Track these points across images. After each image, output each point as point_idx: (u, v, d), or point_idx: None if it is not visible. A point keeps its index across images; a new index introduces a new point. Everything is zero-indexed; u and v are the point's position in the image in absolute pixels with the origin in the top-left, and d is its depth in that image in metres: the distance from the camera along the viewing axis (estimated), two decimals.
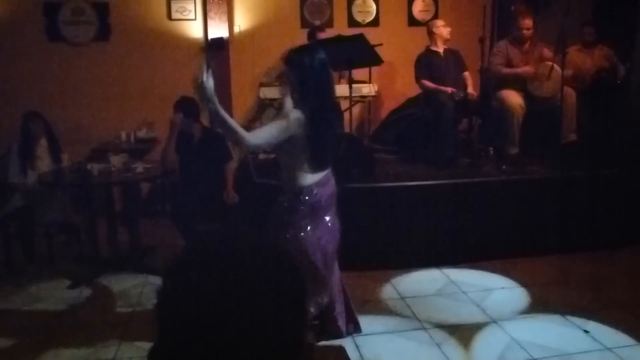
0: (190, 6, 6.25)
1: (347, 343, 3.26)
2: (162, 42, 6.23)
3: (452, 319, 3.60)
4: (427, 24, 5.79)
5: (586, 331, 3.39)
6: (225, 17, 6.25)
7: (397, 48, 6.43)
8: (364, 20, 6.66)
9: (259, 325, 0.76)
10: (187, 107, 4.47)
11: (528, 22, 5.21)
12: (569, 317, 3.57)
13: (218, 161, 4.56)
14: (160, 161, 4.67)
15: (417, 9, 6.79)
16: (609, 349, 3.17)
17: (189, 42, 6.31)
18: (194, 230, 4.45)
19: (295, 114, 2.84)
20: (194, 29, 6.31)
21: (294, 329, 0.81)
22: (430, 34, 5.55)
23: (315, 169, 3.01)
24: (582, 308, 3.69)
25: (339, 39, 4.88)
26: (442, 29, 5.48)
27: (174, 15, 6.25)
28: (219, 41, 6.13)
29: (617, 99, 5.51)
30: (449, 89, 5.22)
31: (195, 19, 6.28)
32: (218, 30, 6.22)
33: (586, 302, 3.78)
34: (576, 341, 3.29)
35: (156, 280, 4.21)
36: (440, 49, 5.51)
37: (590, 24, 5.81)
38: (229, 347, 0.75)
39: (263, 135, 2.85)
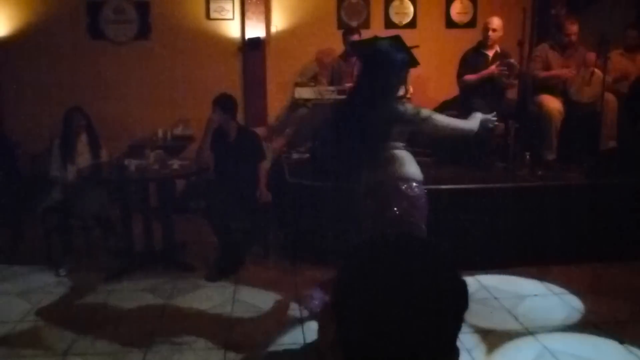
0: (229, 6, 6.33)
1: None
2: (200, 41, 6.32)
3: (483, 324, 3.55)
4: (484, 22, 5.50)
5: (622, 342, 3.31)
6: (262, 17, 6.31)
7: (434, 50, 6.38)
8: (400, 22, 6.63)
9: (424, 331, 0.78)
10: (225, 104, 4.52)
11: (574, 28, 5.09)
12: (604, 327, 3.49)
13: (252, 160, 4.61)
14: (195, 158, 4.75)
15: (455, 11, 6.73)
16: None
17: (227, 42, 6.40)
18: (227, 227, 4.52)
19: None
20: (231, 29, 6.39)
21: (452, 337, 0.83)
22: (484, 32, 5.35)
23: None
24: (617, 318, 3.60)
25: (375, 40, 4.86)
26: (492, 32, 5.25)
27: (213, 14, 6.33)
28: (256, 41, 6.19)
29: None
30: (495, 68, 5.09)
31: (233, 19, 6.36)
32: (255, 30, 6.29)
33: (622, 313, 3.69)
34: (611, 353, 3.21)
35: (188, 275, 4.30)
36: (489, 51, 5.35)
37: (634, 26, 5.66)
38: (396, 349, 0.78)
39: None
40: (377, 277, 0.79)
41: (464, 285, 0.84)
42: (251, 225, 4.77)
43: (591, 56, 5.11)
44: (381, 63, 2.94)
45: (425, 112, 2.98)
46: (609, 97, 5.00)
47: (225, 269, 4.38)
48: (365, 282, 0.79)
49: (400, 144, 3.03)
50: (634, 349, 3.22)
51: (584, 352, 3.21)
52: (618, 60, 5.50)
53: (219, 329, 3.51)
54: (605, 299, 3.93)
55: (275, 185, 4.85)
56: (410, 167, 3.01)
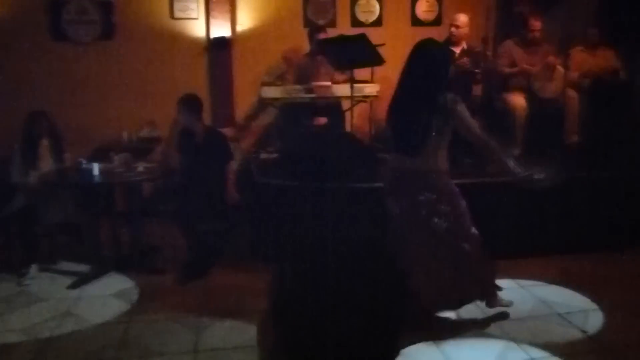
0: (193, 5, 6.26)
1: None
2: (165, 41, 6.24)
3: (453, 318, 3.59)
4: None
5: (584, 332, 3.39)
6: (228, 16, 6.25)
7: (400, 48, 6.39)
8: (367, 20, 6.65)
9: (368, 334, 0.78)
10: (190, 104, 4.48)
11: (537, 24, 5.20)
12: (567, 317, 3.58)
13: (219, 161, 4.57)
14: (161, 161, 4.68)
15: (421, 9, 6.78)
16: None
17: (192, 41, 6.32)
18: (195, 230, 4.47)
19: None
20: (196, 28, 6.32)
21: (394, 339, 0.83)
22: (450, 29, 5.41)
23: None
24: (582, 308, 3.71)
25: (340, 38, 4.87)
26: (457, 29, 5.32)
27: (177, 14, 6.25)
28: (221, 40, 6.13)
29: (619, 100, 5.48)
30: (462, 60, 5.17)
31: (197, 18, 6.28)
32: (221, 29, 6.23)
33: (583, 303, 3.78)
34: (575, 341, 3.29)
35: (157, 280, 4.24)
36: (456, 48, 5.38)
37: (594, 25, 5.78)
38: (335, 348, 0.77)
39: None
40: (317, 280, 0.78)
41: (403, 285, 0.83)
42: (220, 227, 4.73)
43: (551, 52, 5.21)
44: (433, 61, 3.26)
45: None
46: (571, 92, 5.10)
47: (195, 272, 4.34)
48: (305, 286, 0.78)
49: None
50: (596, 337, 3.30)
51: (550, 344, 3.27)
52: (579, 56, 5.62)
53: (189, 333, 3.47)
54: (569, 289, 4.01)
55: (244, 186, 4.81)
56: None
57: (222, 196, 4.51)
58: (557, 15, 6.18)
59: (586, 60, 5.64)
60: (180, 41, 6.29)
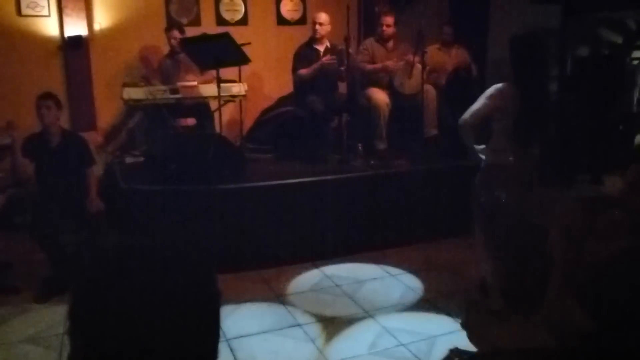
0: (43, 2, 5.82)
1: (222, 347, 3.20)
2: (12, 40, 5.74)
3: (327, 313, 3.66)
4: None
5: (449, 314, 3.60)
6: (83, 14, 5.89)
7: (267, 47, 6.44)
8: (232, 19, 6.59)
9: (167, 341, 0.71)
10: (47, 103, 4.13)
11: (389, 19, 5.44)
12: (434, 302, 3.78)
13: (79, 166, 4.28)
14: (11, 169, 4.30)
15: (286, 9, 6.84)
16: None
17: (44, 40, 5.89)
18: (55, 241, 4.16)
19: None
20: (48, 26, 5.89)
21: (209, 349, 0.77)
22: (312, 27, 5.49)
23: None
24: (445, 292, 3.93)
25: (203, 37, 4.79)
26: (319, 27, 5.42)
27: (25, 11, 5.78)
28: (77, 39, 5.77)
29: (472, 96, 5.88)
30: (327, 58, 5.26)
31: (49, 15, 5.85)
32: (76, 27, 5.86)
33: (448, 287, 4.02)
34: (442, 325, 3.48)
35: (13, 299, 3.89)
36: (320, 46, 5.49)
37: (449, 24, 6.17)
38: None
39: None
40: (115, 293, 0.73)
41: (215, 295, 0.81)
42: (82, 238, 4.44)
43: (408, 50, 5.48)
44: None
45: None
46: (429, 88, 5.39)
47: (56, 288, 4.03)
48: (103, 300, 0.73)
49: None
50: (457, 319, 3.52)
51: (418, 327, 3.44)
52: (435, 54, 5.96)
53: (52, 353, 3.22)
54: (434, 275, 4.25)
55: (108, 193, 4.56)
56: None
57: (83, 204, 4.23)
58: (414, 14, 6.52)
59: (441, 57, 6.01)
60: (30, 40, 5.82)
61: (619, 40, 7.69)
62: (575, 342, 1.05)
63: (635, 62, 7.91)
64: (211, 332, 0.78)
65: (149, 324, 0.71)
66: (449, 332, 3.39)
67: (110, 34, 6.11)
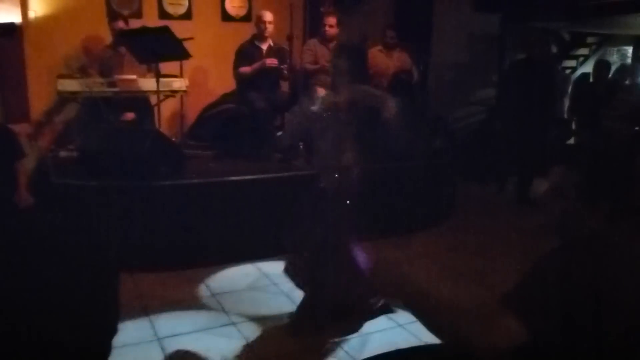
0: None
1: (153, 346, 3.15)
2: None
3: (262, 312, 3.65)
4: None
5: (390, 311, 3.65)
6: (17, 1, 5.66)
7: (211, 43, 6.36)
8: (175, 13, 6.47)
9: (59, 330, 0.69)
10: None
11: (332, 20, 5.49)
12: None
13: (6, 159, 4.10)
14: None
15: (231, 5, 6.77)
16: (401, 325, 3.46)
17: None
18: None
19: None
20: None
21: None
22: (256, 25, 5.49)
23: None
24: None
25: (142, 30, 4.68)
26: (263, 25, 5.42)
27: None
28: (9, 27, 5.54)
29: (413, 99, 6.00)
30: (270, 60, 5.26)
31: None
32: (8, 14, 5.62)
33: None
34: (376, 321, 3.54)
35: None
36: (263, 44, 5.48)
37: (392, 27, 6.25)
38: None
39: None
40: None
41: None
42: (10, 234, 4.27)
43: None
44: None
45: None
46: None
47: None
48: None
49: None
50: (394, 316, 3.58)
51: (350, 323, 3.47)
52: (377, 56, 6.04)
53: None
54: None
55: (38, 187, 4.40)
56: None
57: (11, 199, 4.06)
58: (359, 18, 6.59)
59: (383, 60, 6.08)
60: None
61: (554, 49, 8.05)
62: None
63: (568, 71, 8.29)
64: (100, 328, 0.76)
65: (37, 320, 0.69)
66: (385, 328, 3.45)
67: (46, 22, 5.88)
